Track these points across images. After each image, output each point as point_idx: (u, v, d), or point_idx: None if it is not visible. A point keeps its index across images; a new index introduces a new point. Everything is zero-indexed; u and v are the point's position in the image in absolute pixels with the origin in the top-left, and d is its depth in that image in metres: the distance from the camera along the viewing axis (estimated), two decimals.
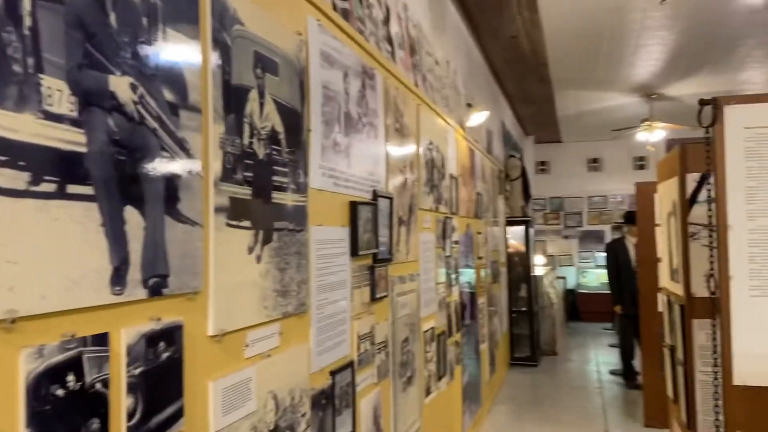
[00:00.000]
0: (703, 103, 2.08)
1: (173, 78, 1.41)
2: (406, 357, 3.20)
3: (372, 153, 2.77)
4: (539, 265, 9.01)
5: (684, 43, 6.72)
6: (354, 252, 2.48)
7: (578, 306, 11.93)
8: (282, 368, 1.88)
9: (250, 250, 1.72)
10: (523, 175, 8.03)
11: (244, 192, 1.69)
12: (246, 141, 1.71)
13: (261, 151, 1.79)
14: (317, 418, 2.13)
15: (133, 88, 1.29)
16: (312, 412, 2.07)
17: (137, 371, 1.26)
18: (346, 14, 2.63)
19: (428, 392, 3.60)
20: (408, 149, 3.37)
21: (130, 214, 1.27)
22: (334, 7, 2.50)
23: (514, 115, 9.84)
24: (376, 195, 2.74)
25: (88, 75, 1.17)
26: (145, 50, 1.33)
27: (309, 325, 2.09)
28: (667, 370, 3.74)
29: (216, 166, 1.57)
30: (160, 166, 1.35)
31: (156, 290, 1.33)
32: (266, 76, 1.83)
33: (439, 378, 3.88)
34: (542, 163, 13.05)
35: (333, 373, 2.25)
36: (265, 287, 1.79)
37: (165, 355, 1.35)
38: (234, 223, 1.63)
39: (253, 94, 1.76)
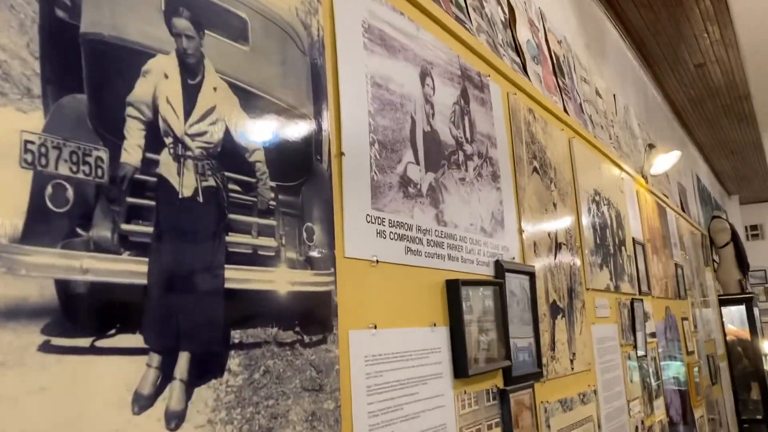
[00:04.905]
0: None
1: None
2: None
3: (489, 202, 1.71)
4: None
5: None
6: (460, 371, 1.40)
7: None
8: None
9: (142, 404, 0.74)
10: (734, 240, 6.31)
11: (117, 266, 0.74)
12: (134, 156, 0.78)
13: (188, 183, 0.85)
14: None
15: None
16: None
17: None
18: None
19: None
20: (558, 200, 2.26)
21: None
22: None
23: (710, 168, 8.12)
24: (501, 268, 1.66)
25: None
26: None
27: None
28: None
29: (19, 206, 0.65)
30: None
31: None
32: (204, 35, 0.91)
33: None
34: (753, 227, 10.81)
35: None
36: None
37: None
38: (64, 343, 0.68)
39: (160, 63, 0.84)
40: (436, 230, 1.42)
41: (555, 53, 2.84)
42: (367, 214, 1.20)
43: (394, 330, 1.23)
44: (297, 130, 1.06)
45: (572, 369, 2.08)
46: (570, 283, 2.21)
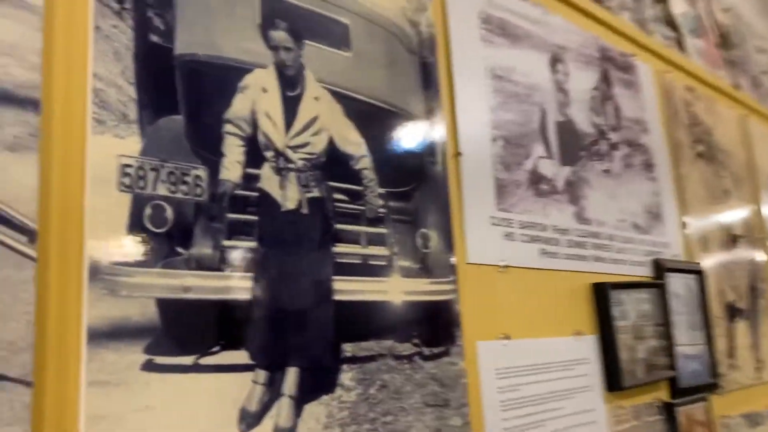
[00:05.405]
0: None
1: None
2: None
3: (642, 194, 1.54)
4: None
5: None
6: (613, 383, 1.26)
7: None
8: None
9: (249, 422, 0.73)
10: None
11: (219, 283, 0.74)
12: (233, 172, 0.78)
13: (291, 196, 0.83)
14: None
15: None
16: None
17: None
18: None
19: None
20: (732, 187, 1.99)
21: None
22: None
23: None
24: (661, 268, 1.49)
25: None
26: None
27: None
28: None
29: (118, 229, 0.67)
30: None
31: None
32: (304, 45, 0.90)
33: None
34: None
35: None
36: None
37: None
38: (167, 361, 0.68)
39: (257, 78, 0.84)
40: (576, 229, 1.30)
41: (720, 23, 2.53)
42: (492, 216, 1.12)
43: (530, 340, 1.13)
44: (407, 133, 1.01)
45: (758, 378, 1.82)
46: (752, 281, 1.94)
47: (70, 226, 0.64)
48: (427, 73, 1.08)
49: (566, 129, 1.36)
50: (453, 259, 1.02)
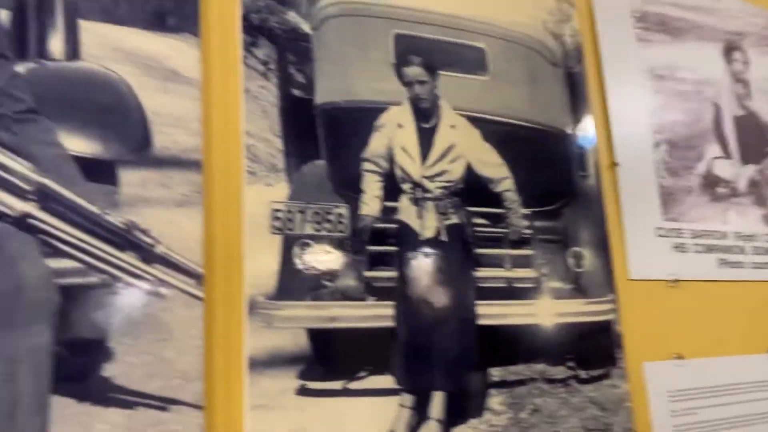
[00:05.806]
0: None
1: None
2: None
3: None
4: None
5: None
6: None
7: None
8: None
9: None
10: None
11: (363, 312, 0.80)
12: (372, 207, 0.83)
13: (429, 224, 0.87)
14: None
15: None
16: None
17: None
18: None
19: None
20: None
21: None
22: None
23: None
24: None
25: None
26: None
27: None
28: None
29: (271, 267, 0.76)
30: None
31: None
32: (438, 76, 0.93)
33: None
34: None
35: None
36: None
37: None
38: (318, 386, 0.75)
39: (393, 115, 0.88)
40: (766, 234, 1.17)
41: None
42: (658, 227, 1.05)
43: (710, 359, 1.04)
44: (552, 148, 0.99)
45: None
46: None
47: (231, 268, 0.74)
48: (573, 83, 1.05)
49: (747, 123, 1.22)
50: (612, 277, 0.98)
